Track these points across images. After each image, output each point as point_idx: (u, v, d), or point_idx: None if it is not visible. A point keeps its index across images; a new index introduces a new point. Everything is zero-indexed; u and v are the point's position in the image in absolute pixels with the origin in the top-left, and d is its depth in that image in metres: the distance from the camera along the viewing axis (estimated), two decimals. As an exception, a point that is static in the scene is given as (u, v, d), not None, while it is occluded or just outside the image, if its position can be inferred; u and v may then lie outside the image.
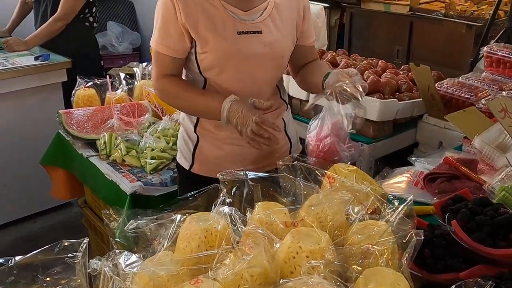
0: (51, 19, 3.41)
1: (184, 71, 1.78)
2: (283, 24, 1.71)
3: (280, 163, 1.34)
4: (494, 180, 1.70)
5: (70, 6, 3.40)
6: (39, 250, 1.00)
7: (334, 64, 2.87)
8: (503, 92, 2.42)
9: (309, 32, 1.86)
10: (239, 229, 1.11)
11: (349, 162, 2.35)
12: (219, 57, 1.63)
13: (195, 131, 1.80)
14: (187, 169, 1.85)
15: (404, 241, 1.07)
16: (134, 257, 1.02)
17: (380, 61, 2.95)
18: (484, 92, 2.44)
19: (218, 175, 1.24)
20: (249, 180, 1.25)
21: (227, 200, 1.18)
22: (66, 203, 3.67)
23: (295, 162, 1.34)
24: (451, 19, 4.19)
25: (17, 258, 0.98)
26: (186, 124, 1.84)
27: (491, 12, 3.93)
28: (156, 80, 1.72)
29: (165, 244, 1.10)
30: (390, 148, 2.57)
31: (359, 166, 2.47)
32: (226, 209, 1.13)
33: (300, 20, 1.78)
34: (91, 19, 3.64)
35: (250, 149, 1.78)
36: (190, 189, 1.86)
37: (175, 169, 2.33)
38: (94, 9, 3.63)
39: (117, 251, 1.02)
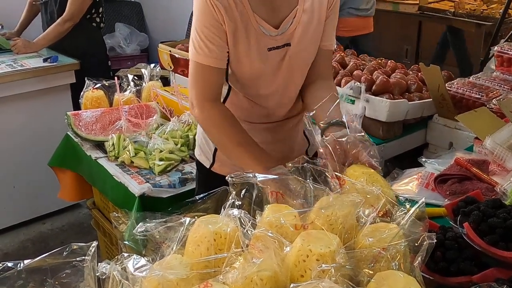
0: (59, 20, 3.42)
1: None
2: (310, 30, 1.63)
3: (290, 165, 1.32)
4: (506, 181, 1.68)
5: (77, 6, 3.41)
6: (47, 253, 0.99)
7: (343, 65, 2.85)
8: (515, 92, 2.39)
9: (328, 33, 1.70)
10: (248, 232, 1.10)
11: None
12: (247, 74, 1.61)
13: None
14: (208, 167, 1.84)
15: (416, 244, 1.06)
16: (143, 261, 1.01)
17: (389, 61, 2.93)
18: (495, 92, 2.41)
19: (227, 177, 1.23)
20: (258, 182, 1.24)
21: (237, 203, 1.17)
22: (75, 204, 3.68)
23: (304, 164, 1.33)
24: (461, 18, 4.16)
25: (26, 261, 0.98)
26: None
27: (500, 11, 3.90)
28: (200, 107, 1.59)
29: (174, 248, 1.09)
30: (400, 149, 2.55)
31: (369, 167, 2.45)
32: (235, 211, 1.12)
33: (324, 19, 1.66)
34: (98, 19, 3.64)
35: (272, 152, 1.77)
36: (210, 185, 1.85)
37: (184, 171, 2.33)
38: (100, 10, 3.63)
39: (126, 254, 1.01)
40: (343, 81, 2.59)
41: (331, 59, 1.82)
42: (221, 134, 1.60)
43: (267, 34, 1.57)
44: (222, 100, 1.69)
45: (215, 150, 1.80)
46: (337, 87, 2.57)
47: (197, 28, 1.54)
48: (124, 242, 1.13)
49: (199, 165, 1.89)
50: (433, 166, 1.93)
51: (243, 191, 1.23)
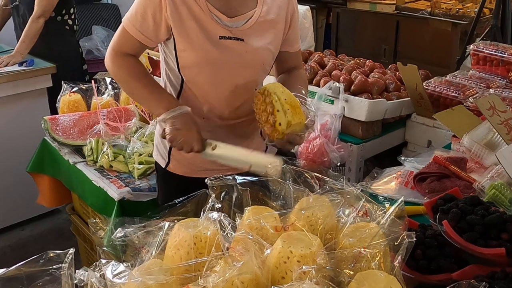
0: (31, 18, 3.34)
1: (163, 68, 1.77)
2: (267, 33, 1.69)
3: (269, 166, 1.32)
4: (483, 178, 1.70)
5: (46, 1, 3.34)
6: (23, 262, 0.97)
7: (322, 65, 2.86)
8: (491, 89, 2.43)
9: (294, 38, 1.83)
10: (228, 235, 1.10)
11: (338, 163, 2.36)
12: (199, 58, 1.62)
13: None
14: (163, 167, 1.85)
15: (396, 243, 1.06)
16: (121, 267, 1.00)
17: (367, 61, 2.95)
18: (471, 90, 2.45)
19: (206, 180, 1.22)
20: (238, 185, 1.23)
21: (216, 206, 1.16)
22: (54, 210, 3.62)
23: (284, 165, 1.33)
24: (437, 18, 4.21)
25: (1, 270, 0.95)
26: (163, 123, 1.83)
27: (475, 10, 3.95)
28: (115, 56, 1.68)
29: (154, 252, 1.07)
30: (379, 148, 2.56)
31: (349, 166, 2.47)
32: (215, 215, 1.11)
33: (286, 28, 1.76)
34: (70, 22, 3.58)
35: None
36: (167, 186, 1.89)
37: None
38: (71, 10, 3.57)
39: (104, 261, 1.00)
40: (322, 81, 2.60)
41: (300, 54, 1.95)
42: (131, 79, 1.68)
43: (219, 23, 1.61)
44: (175, 95, 1.74)
45: (170, 149, 1.81)
46: (316, 87, 2.58)
47: (140, 1, 1.61)
48: (103, 248, 1.11)
49: (157, 165, 1.91)
50: (412, 165, 1.95)
51: (223, 194, 1.22)
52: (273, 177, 1.30)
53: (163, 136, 1.63)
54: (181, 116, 1.61)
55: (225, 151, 1.60)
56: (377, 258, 1.04)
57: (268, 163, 1.47)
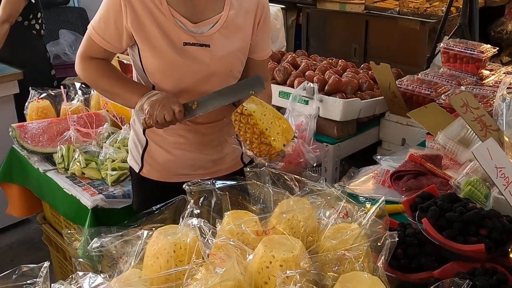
0: None
1: (134, 72, 1.74)
2: (235, 38, 1.66)
3: (248, 169, 1.30)
4: (459, 175, 1.71)
5: (12, 6, 3.27)
6: (-5, 278, 0.93)
7: (295, 66, 2.85)
8: (462, 87, 2.46)
9: (263, 45, 1.76)
10: (209, 241, 1.07)
11: (315, 164, 2.35)
12: (162, 65, 1.60)
13: (144, 133, 1.76)
14: (137, 172, 1.82)
15: (378, 243, 1.05)
16: (99, 279, 0.96)
17: (340, 61, 2.95)
18: (443, 87, 2.47)
19: (184, 186, 1.20)
20: (216, 189, 1.20)
21: (195, 211, 1.13)
22: (25, 220, 3.52)
23: (262, 168, 1.31)
24: (405, 17, 4.25)
25: (-29, 288, 0.91)
26: (136, 127, 1.81)
27: (443, 8, 4.02)
28: (82, 60, 1.68)
29: (132, 262, 1.04)
30: (355, 147, 2.57)
31: (325, 167, 2.47)
32: (194, 221, 1.08)
33: (254, 34, 1.71)
34: (37, 26, 3.51)
35: (199, 154, 1.76)
36: (143, 191, 1.87)
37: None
38: (39, 15, 3.50)
39: (81, 273, 0.96)
40: (295, 82, 2.59)
41: (268, 64, 1.94)
42: (100, 78, 1.67)
43: (184, 28, 1.59)
44: None
45: (143, 153, 1.78)
46: (290, 88, 2.57)
47: (102, 6, 1.61)
48: (79, 259, 1.07)
49: (131, 170, 1.88)
50: (388, 163, 1.95)
51: (201, 199, 1.19)
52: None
53: (144, 124, 1.60)
54: (156, 93, 1.59)
55: (207, 104, 1.59)
56: (360, 260, 1.04)
57: (249, 87, 1.57)
